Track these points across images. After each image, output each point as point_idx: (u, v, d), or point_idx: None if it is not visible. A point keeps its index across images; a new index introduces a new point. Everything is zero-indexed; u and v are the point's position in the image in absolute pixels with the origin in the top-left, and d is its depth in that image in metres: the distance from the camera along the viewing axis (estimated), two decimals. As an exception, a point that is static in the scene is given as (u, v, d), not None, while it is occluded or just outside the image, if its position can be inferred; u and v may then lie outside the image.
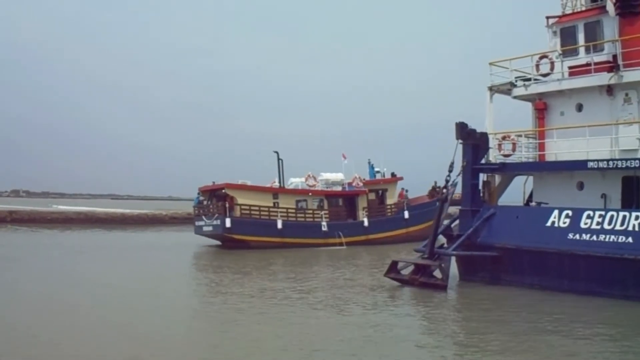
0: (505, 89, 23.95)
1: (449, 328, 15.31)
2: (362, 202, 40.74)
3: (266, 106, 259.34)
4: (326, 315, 16.31)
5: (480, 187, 23.45)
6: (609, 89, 20.78)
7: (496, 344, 13.17)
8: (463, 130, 22.41)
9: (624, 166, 19.34)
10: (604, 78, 20.68)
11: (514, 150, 23.03)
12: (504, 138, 23.14)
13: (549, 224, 19.93)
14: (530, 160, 23.28)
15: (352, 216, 40.53)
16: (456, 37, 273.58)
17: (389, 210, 41.83)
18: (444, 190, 23.43)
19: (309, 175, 40.63)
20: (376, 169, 44.31)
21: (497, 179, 24.23)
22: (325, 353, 12.42)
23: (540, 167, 22.73)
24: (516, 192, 25.05)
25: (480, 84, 24.40)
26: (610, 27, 21.05)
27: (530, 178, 24.16)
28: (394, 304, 18.38)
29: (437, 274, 20.97)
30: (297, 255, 32.58)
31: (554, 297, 18.45)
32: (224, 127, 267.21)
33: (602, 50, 21.40)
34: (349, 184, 41.45)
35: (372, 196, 41.77)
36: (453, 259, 21.90)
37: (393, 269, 21.97)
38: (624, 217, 18.15)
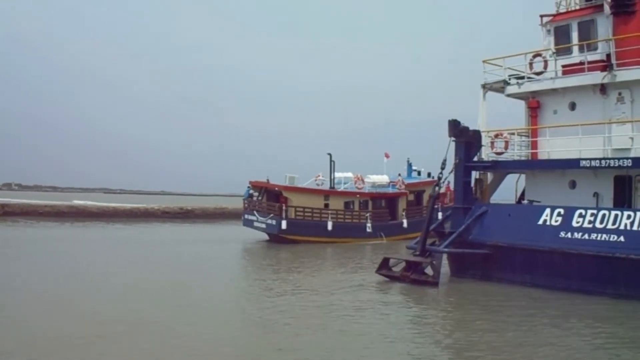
0: (499, 87, 23.98)
1: (439, 324, 15.24)
2: (402, 204, 42.50)
3: (253, 102, 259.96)
4: (318, 311, 16.24)
5: (473, 184, 23.49)
6: (602, 88, 20.80)
7: (487, 340, 13.13)
8: (456, 128, 22.43)
9: (616, 165, 19.38)
10: (598, 77, 20.69)
11: (506, 148, 23.00)
12: (496, 136, 23.14)
13: (540, 222, 19.96)
14: (523, 158, 23.27)
15: (393, 217, 42.05)
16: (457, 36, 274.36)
17: (424, 212, 42.61)
18: (436, 188, 23.52)
19: (358, 178, 42.25)
20: (414, 168, 46.13)
21: (490, 176, 24.27)
22: (317, 347, 12.37)
23: (532, 166, 22.74)
24: (508, 190, 25.11)
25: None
26: (604, 26, 21.07)
27: (523, 176, 24.21)
28: (385, 300, 18.23)
29: (429, 270, 20.96)
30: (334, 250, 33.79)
31: (545, 295, 18.49)
32: (217, 123, 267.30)
33: (595, 49, 21.44)
34: (393, 185, 43.16)
35: (410, 197, 43.52)
36: (445, 256, 21.93)
37: (384, 266, 21.95)
38: (616, 216, 18.20)
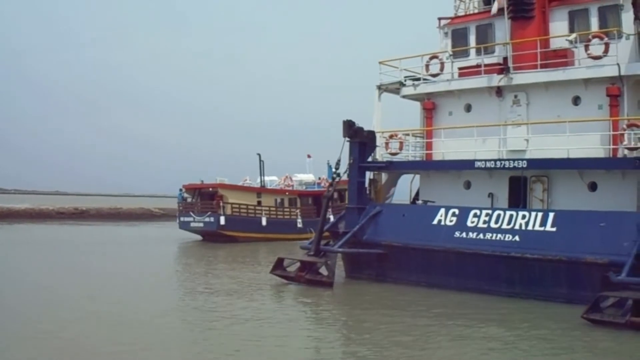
0: (394, 88, 23.88)
1: (332, 324, 14.82)
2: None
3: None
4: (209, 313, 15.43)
5: (367, 185, 23.18)
6: (499, 91, 21.09)
7: (379, 339, 12.91)
8: (350, 128, 22.06)
9: (511, 166, 19.64)
10: (494, 79, 20.98)
11: (401, 148, 22.90)
12: (391, 137, 22.99)
13: (435, 222, 19.86)
14: (418, 159, 23.22)
15: (319, 213, 41.77)
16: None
17: None
18: (330, 188, 23.05)
19: (286, 177, 45.36)
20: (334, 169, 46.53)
21: (384, 177, 24.06)
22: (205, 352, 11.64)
23: (427, 166, 22.74)
24: (403, 190, 25.05)
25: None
26: (501, 30, 21.47)
27: (417, 177, 24.19)
28: (279, 301, 17.71)
29: (324, 271, 20.25)
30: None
31: (439, 295, 18.26)
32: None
33: (492, 52, 21.81)
34: (318, 184, 45.57)
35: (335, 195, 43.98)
36: (340, 256, 21.35)
37: (279, 266, 21.04)
38: (511, 216, 18.38)
